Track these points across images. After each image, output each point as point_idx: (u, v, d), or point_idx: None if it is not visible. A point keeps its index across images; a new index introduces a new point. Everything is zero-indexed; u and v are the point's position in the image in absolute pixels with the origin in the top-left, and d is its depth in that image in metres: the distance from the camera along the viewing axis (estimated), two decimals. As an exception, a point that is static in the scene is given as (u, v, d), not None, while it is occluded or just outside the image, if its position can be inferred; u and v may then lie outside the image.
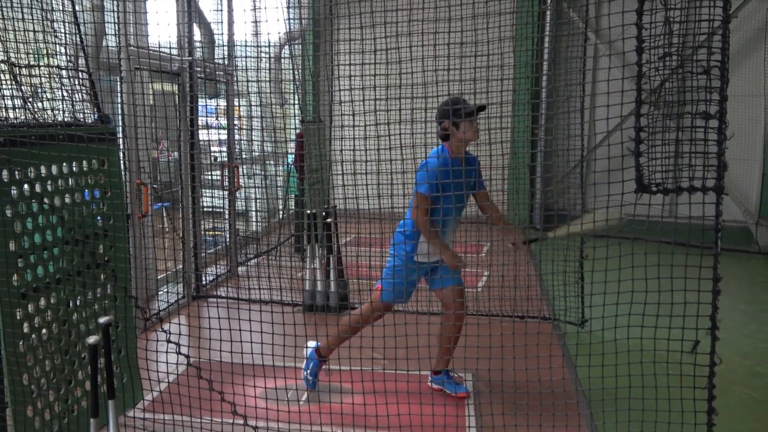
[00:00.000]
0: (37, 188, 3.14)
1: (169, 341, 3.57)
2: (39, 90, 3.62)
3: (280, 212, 9.12)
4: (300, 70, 8.84)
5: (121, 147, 4.52)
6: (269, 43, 8.29)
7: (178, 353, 3.61)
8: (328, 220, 5.94)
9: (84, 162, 3.45)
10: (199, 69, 6.57)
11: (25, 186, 3.09)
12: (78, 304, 3.42)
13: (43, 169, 3.16)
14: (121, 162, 4.18)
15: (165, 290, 6.37)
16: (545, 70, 10.02)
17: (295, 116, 9.85)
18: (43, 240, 3.20)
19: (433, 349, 4.06)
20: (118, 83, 5.18)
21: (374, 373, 3.81)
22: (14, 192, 3.05)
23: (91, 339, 2.89)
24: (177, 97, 6.37)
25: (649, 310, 2.84)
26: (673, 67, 2.70)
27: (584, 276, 5.44)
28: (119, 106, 5.19)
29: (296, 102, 9.26)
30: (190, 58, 6.26)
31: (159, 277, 6.33)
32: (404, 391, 4.13)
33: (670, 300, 2.75)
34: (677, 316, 2.76)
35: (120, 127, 5.00)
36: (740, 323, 6.02)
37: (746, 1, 9.55)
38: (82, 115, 3.66)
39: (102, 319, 2.98)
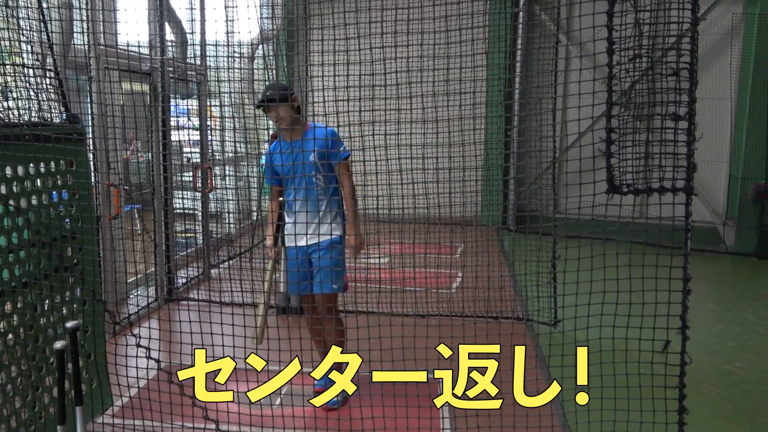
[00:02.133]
0: (2, 189, 3.07)
1: (138, 345, 3.51)
2: (4, 89, 3.54)
3: (254, 214, 9.04)
4: (274, 70, 8.78)
5: (90, 148, 4.44)
6: (240, 42, 8.21)
7: (148, 357, 3.56)
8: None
9: (51, 163, 3.38)
10: (170, 69, 6.48)
11: (-10, 187, 3.02)
12: (45, 308, 3.35)
13: (8, 170, 3.09)
14: (91, 163, 4.11)
15: (136, 293, 6.27)
16: (518, 71, 10.10)
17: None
18: (9, 242, 3.12)
19: (407, 351, 4.05)
20: (87, 83, 5.09)
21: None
22: (-22, 194, 2.97)
23: (58, 344, 2.83)
24: (149, 97, 6.28)
25: (621, 310, 2.86)
26: (643, 68, 2.73)
27: (557, 276, 5.49)
28: (89, 105, 5.10)
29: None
30: (162, 57, 6.18)
31: (130, 281, 6.23)
32: (378, 394, 4.12)
33: (641, 300, 2.78)
34: (648, 315, 2.79)
35: (90, 128, 4.91)
36: (708, 322, 6.12)
37: (713, 5, 9.72)
38: (49, 115, 3.59)
39: (69, 324, 2.92)
